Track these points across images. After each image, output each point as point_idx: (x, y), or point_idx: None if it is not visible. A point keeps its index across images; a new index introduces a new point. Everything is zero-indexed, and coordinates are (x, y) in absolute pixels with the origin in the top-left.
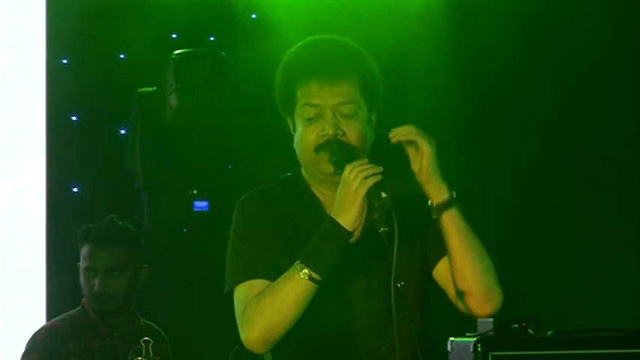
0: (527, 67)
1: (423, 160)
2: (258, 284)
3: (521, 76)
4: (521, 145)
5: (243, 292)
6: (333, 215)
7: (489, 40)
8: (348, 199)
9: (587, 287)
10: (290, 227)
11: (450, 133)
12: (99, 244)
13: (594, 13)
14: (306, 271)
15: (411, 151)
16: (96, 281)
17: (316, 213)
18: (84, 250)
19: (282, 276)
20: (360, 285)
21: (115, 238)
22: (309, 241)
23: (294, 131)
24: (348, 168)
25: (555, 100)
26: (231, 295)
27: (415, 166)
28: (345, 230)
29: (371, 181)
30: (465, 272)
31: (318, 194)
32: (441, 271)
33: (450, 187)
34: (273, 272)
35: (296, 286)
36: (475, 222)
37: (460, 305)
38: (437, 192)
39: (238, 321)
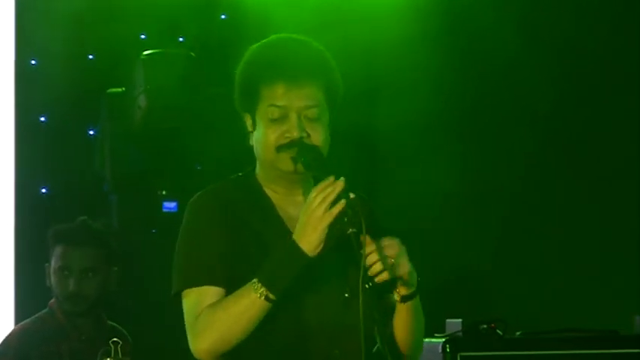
0: (522, 61)
1: (402, 270)
2: (210, 292)
3: (516, 70)
4: (516, 141)
5: (194, 299)
6: (294, 237)
7: (483, 34)
8: (310, 225)
9: (565, 288)
10: (242, 226)
11: (444, 130)
12: (73, 245)
13: (590, 3)
14: (262, 290)
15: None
16: (71, 281)
17: (268, 212)
18: (57, 251)
19: (238, 292)
20: (316, 285)
21: (89, 239)
22: (266, 257)
23: (254, 129)
24: (314, 191)
25: (552, 95)
26: (178, 295)
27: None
28: (306, 255)
29: (336, 210)
30: (405, 332)
31: (270, 193)
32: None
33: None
34: (224, 277)
35: (251, 305)
36: (461, 222)
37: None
38: (410, 284)
39: (188, 328)
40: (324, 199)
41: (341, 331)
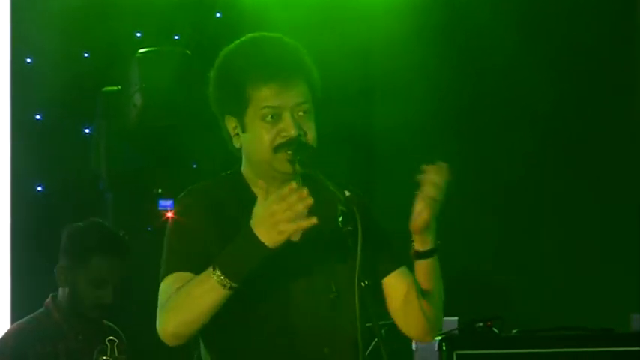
0: (520, 59)
1: (433, 205)
2: (183, 277)
3: (514, 68)
4: (515, 140)
5: (167, 283)
6: (254, 229)
7: (480, 33)
8: (275, 229)
9: (563, 287)
10: (229, 225)
11: (442, 129)
12: (112, 256)
13: (588, 1)
14: (221, 276)
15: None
16: (107, 293)
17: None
18: (94, 260)
19: (198, 277)
20: (305, 283)
21: (124, 250)
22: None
23: (243, 131)
24: (277, 197)
25: (550, 93)
26: None
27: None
28: (266, 247)
29: (305, 225)
30: (418, 313)
31: (257, 192)
32: (389, 284)
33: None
34: (204, 266)
35: (211, 291)
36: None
37: (398, 323)
38: (426, 241)
39: (157, 312)
40: (290, 207)
41: (330, 330)
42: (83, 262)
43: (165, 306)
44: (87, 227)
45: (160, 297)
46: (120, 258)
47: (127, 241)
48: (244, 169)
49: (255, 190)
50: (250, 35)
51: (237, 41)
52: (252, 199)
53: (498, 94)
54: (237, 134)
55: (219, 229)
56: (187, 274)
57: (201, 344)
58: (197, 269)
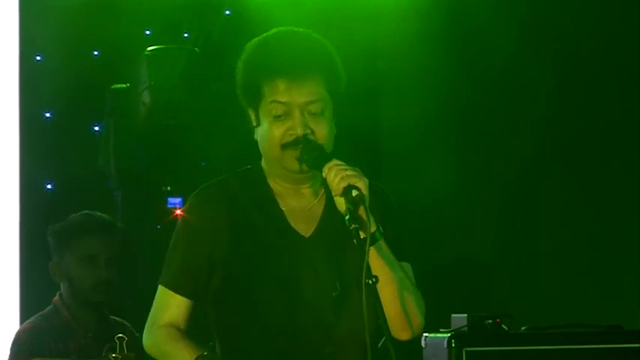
0: (523, 60)
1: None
2: (174, 302)
3: (516, 68)
4: (520, 137)
5: (161, 300)
6: None
7: (484, 34)
8: None
9: (572, 284)
10: (243, 223)
11: (446, 127)
12: (100, 234)
13: (589, 4)
14: None
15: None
16: (101, 270)
17: (269, 206)
18: (78, 242)
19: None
20: (311, 281)
21: (111, 228)
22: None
23: (258, 125)
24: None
25: (551, 96)
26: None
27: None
28: None
29: None
30: (383, 302)
31: (273, 185)
32: None
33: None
34: (198, 288)
35: None
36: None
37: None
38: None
39: (148, 320)
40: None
41: (333, 329)
42: (69, 247)
43: (150, 333)
44: (66, 219)
45: (153, 308)
46: (104, 233)
47: (112, 220)
48: (262, 162)
49: (271, 184)
50: (277, 29)
51: (264, 34)
52: (267, 194)
53: (502, 94)
54: (256, 126)
55: (230, 223)
56: (180, 299)
57: (215, 338)
58: (188, 292)
